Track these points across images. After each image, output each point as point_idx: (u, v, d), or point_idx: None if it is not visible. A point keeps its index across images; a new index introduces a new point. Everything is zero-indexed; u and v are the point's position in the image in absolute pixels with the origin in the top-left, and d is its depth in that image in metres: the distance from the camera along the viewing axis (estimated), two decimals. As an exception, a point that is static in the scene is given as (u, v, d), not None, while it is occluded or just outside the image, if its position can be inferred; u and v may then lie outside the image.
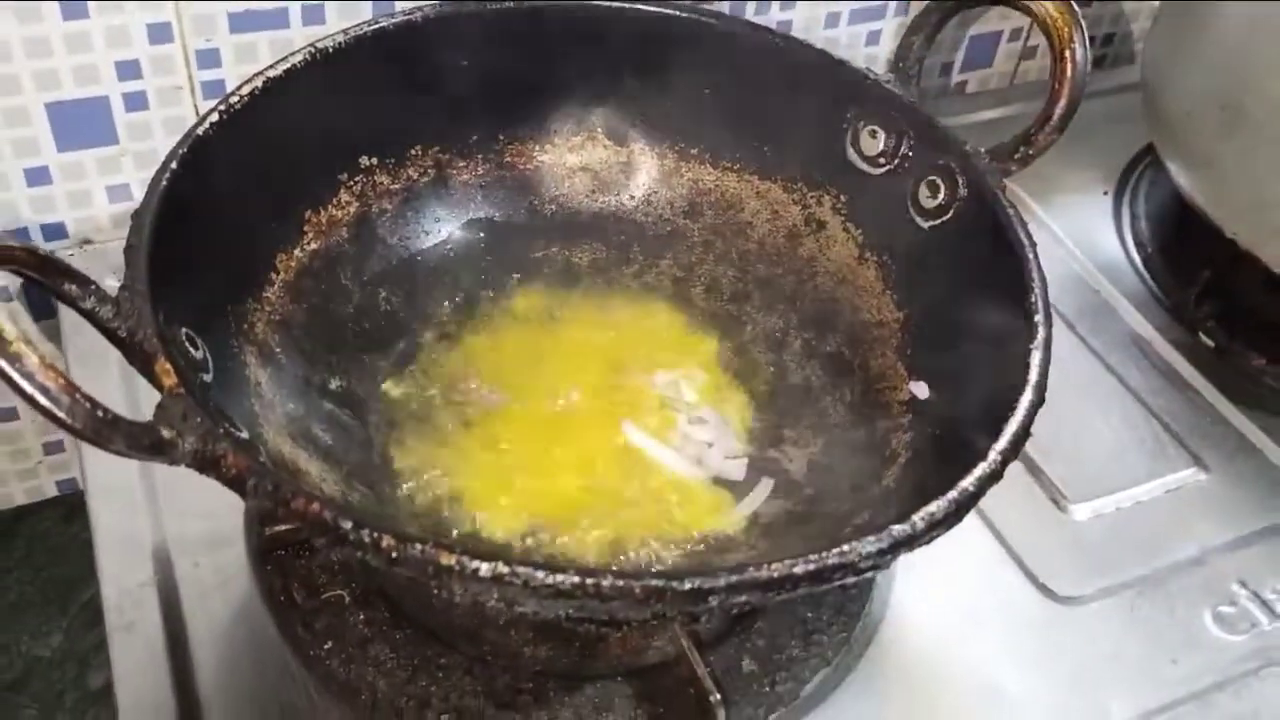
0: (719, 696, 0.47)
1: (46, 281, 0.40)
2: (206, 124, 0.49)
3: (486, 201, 0.62)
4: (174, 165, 0.47)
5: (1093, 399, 0.67)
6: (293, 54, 0.53)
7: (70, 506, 0.78)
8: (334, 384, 0.54)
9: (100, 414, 0.35)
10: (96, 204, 0.67)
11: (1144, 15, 0.92)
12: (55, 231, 0.67)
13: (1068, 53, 0.54)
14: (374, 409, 0.55)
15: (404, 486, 0.52)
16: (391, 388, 0.56)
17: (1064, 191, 0.80)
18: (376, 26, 0.56)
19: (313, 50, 0.54)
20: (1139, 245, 0.77)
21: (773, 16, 0.77)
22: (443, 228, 0.61)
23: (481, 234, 0.62)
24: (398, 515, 0.50)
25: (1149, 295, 0.74)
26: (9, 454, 0.75)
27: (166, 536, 0.55)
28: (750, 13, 0.76)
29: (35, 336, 0.68)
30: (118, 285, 0.42)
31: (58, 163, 0.64)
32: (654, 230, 0.64)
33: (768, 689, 0.50)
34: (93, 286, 0.41)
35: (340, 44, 0.55)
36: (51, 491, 0.78)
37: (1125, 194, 0.81)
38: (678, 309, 0.61)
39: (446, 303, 0.60)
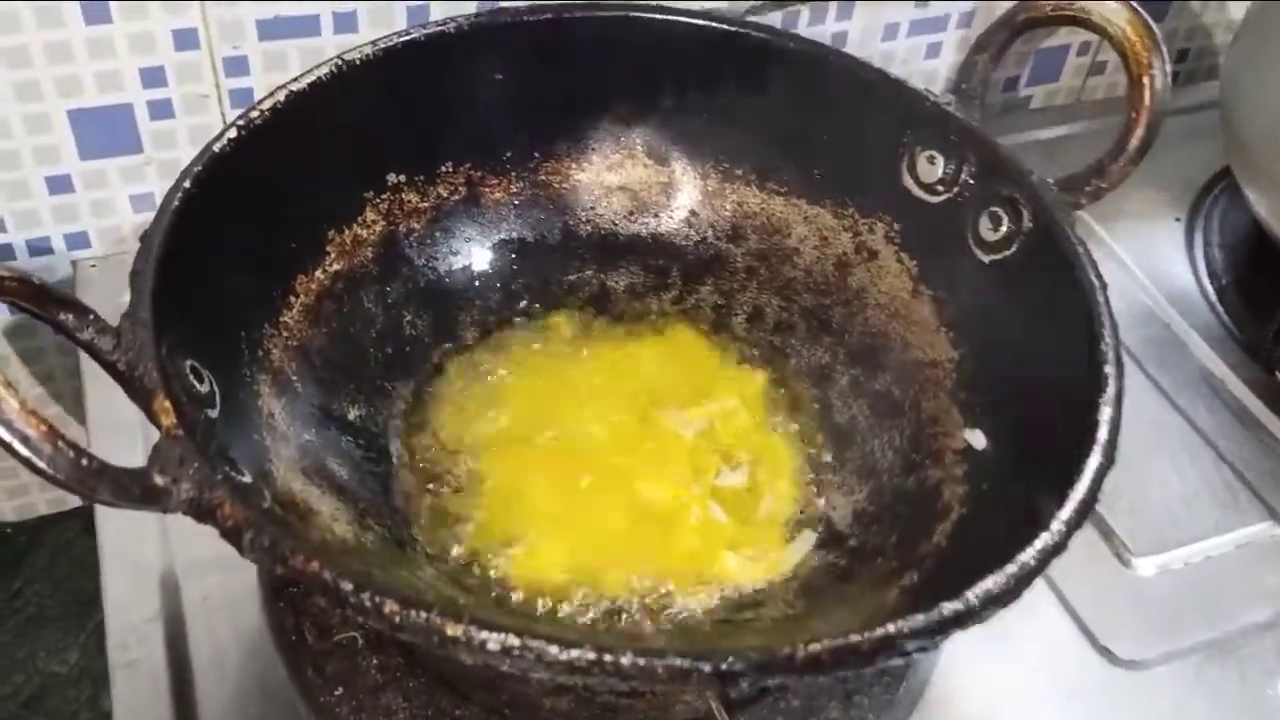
0: (750, 766, 0.44)
1: (42, 313, 0.38)
2: (224, 140, 0.47)
3: (519, 221, 0.59)
4: (187, 184, 0.45)
5: (1160, 442, 0.63)
6: (317, 66, 0.51)
7: (92, 518, 0.76)
8: (353, 414, 0.51)
9: (85, 462, 0.33)
10: (120, 213, 0.65)
11: (1223, 28, 0.87)
12: (78, 241, 0.65)
13: (1146, 78, 0.50)
14: (393, 441, 0.52)
15: (421, 526, 0.49)
16: (413, 417, 0.53)
17: (1132, 217, 0.75)
18: (407, 38, 0.53)
19: (339, 63, 0.51)
20: (1212, 276, 0.73)
21: (828, 28, 0.73)
22: (473, 248, 0.58)
23: (513, 255, 0.59)
24: (414, 558, 0.48)
25: (1222, 330, 0.70)
26: (31, 464, 0.74)
27: (175, 561, 0.53)
28: (804, 23, 0.72)
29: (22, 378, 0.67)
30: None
31: (80, 171, 0.62)
32: (694, 254, 0.60)
33: (803, 756, 0.47)
34: (91, 316, 0.39)
35: (368, 56, 0.52)
36: (74, 501, 0.77)
37: (1199, 220, 0.76)
38: (718, 339, 0.58)
39: (474, 328, 0.57)
